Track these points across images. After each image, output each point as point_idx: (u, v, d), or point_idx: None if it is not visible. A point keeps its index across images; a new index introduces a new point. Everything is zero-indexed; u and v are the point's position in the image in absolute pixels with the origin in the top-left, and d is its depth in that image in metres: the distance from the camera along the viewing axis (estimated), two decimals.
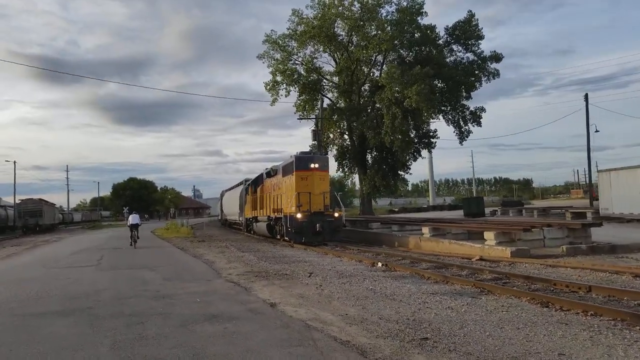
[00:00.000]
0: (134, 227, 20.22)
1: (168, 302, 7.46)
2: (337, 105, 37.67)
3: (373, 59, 36.38)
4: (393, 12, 35.53)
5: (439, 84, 34.92)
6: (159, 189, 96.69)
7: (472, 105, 36.36)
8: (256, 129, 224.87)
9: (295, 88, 35.94)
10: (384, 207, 65.79)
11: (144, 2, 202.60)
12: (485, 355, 4.45)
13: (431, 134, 36.63)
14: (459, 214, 39.28)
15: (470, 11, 35.53)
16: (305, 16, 35.35)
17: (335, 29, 35.61)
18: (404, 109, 33.24)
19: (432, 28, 35.42)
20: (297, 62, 36.86)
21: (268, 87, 35.69)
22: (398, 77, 30.46)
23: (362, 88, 38.31)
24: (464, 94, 35.89)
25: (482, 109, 36.52)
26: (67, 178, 79.68)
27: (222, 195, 47.00)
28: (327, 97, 37.73)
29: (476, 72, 35.34)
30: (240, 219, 31.09)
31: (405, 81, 30.19)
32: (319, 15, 34.46)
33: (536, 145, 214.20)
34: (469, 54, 36.23)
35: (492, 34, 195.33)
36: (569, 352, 4.50)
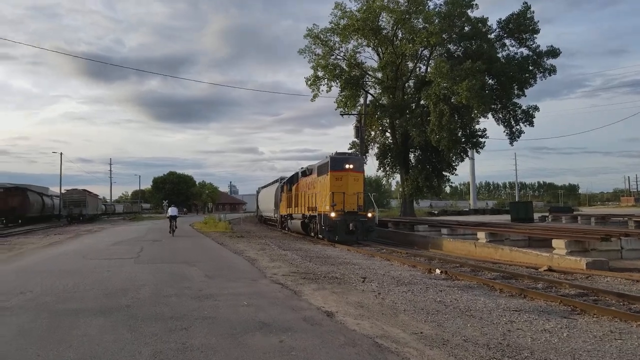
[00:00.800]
0: (172, 218, 22.75)
1: (212, 303, 6.70)
2: (380, 102, 36.39)
3: (419, 53, 34.87)
4: (441, 4, 33.91)
5: (489, 81, 33.03)
6: (197, 183, 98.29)
7: (523, 104, 34.22)
8: (291, 127, 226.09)
9: (337, 83, 34.95)
10: (423, 209, 63.76)
11: (185, 2, 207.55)
12: None
13: (479, 133, 34.74)
14: (503, 218, 37.26)
15: (526, 3, 33.28)
16: (348, 9, 34.34)
17: (380, 22, 34.38)
18: (451, 106, 31.66)
19: (483, 21, 33.53)
20: (338, 57, 35.91)
21: (309, 83, 34.87)
22: (447, 72, 28.87)
23: (407, 84, 36.88)
24: (516, 91, 33.81)
25: (536, 108, 34.23)
26: (110, 171, 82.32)
27: (258, 192, 47.72)
28: (370, 94, 36.54)
29: (530, 67, 33.19)
30: (275, 215, 31.52)
31: (455, 76, 28.61)
32: (364, 7, 33.29)
33: (582, 149, 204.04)
34: (522, 49, 34.08)
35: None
36: None
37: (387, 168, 37.32)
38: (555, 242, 12.77)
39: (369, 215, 18.46)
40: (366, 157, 33.88)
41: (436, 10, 33.15)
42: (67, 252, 15.25)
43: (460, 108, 32.58)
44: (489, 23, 33.79)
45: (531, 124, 34.27)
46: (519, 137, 34.41)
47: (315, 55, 35.39)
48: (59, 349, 4.61)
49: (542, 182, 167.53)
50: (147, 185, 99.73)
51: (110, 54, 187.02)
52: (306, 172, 22.46)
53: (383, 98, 36.73)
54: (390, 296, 7.37)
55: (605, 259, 11.31)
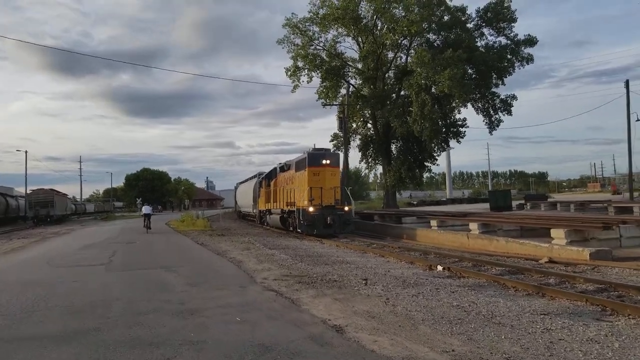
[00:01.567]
0: (146, 216, 24.62)
1: (198, 321, 5.73)
2: (361, 93, 35.60)
3: (399, 43, 34.17)
4: None
5: (469, 70, 32.66)
6: (172, 180, 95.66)
7: (502, 93, 34.03)
8: (268, 120, 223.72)
9: (317, 74, 33.92)
10: (403, 200, 63.65)
11: None
12: None
13: (460, 122, 34.44)
14: (482, 207, 37.19)
15: None
16: None
17: (360, 12, 33.49)
18: (432, 96, 31.18)
19: (463, 10, 33.12)
20: (318, 47, 34.87)
21: (289, 73, 33.71)
22: (429, 61, 28.30)
23: (387, 75, 36.19)
24: (495, 80, 33.59)
25: (514, 97, 34.05)
26: (80, 169, 78.70)
27: (236, 187, 47.09)
28: (351, 84, 35.68)
29: (509, 56, 32.99)
30: (254, 211, 31.64)
31: (436, 65, 28.08)
32: None
33: (549, 138, 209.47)
34: (501, 38, 33.82)
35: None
36: None
37: (370, 160, 36.66)
38: (554, 232, 12.27)
39: (346, 208, 19.00)
40: (349, 149, 33.11)
41: None
42: (29, 259, 13.86)
43: (441, 98, 32.17)
44: (468, 12, 33.43)
45: (509, 113, 34.08)
46: (497, 126, 34.20)
47: (294, 45, 34.28)
48: None
49: (513, 171, 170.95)
50: (119, 183, 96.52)
51: (78, 47, 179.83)
52: (284, 168, 22.68)
53: (364, 89, 35.95)
54: (401, 302, 6.56)
55: (609, 249, 10.87)
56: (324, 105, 33.40)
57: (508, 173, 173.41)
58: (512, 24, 33.38)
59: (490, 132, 34.48)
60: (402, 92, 34.58)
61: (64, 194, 53.98)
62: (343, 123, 27.35)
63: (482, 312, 5.91)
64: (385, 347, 4.56)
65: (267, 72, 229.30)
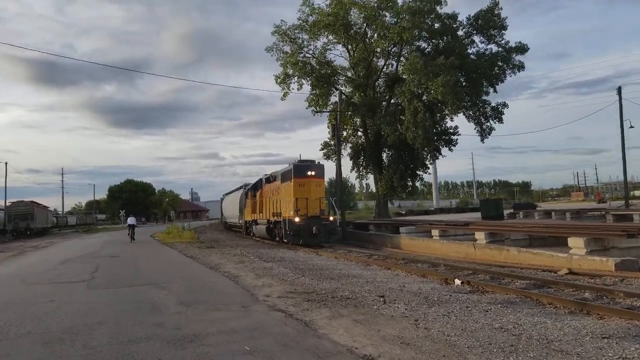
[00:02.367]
0: (131, 227, 25.92)
1: (199, 351, 4.78)
2: (352, 100, 35.00)
3: (390, 50, 33.77)
4: (410, 0, 32.98)
5: (460, 77, 32.37)
6: (156, 191, 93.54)
7: (492, 101, 33.80)
8: (253, 131, 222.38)
9: (307, 81, 33.27)
10: (391, 210, 63.02)
11: (142, 6, 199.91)
12: None
13: (451, 130, 34.05)
14: (470, 216, 36.67)
15: None
16: (317, 5, 32.79)
17: (350, 19, 33.02)
18: (424, 104, 30.75)
19: (454, 17, 32.91)
20: (307, 54, 34.27)
21: (279, 80, 32.98)
22: (421, 67, 27.87)
23: (377, 82, 35.72)
24: (485, 88, 33.36)
25: (505, 105, 33.87)
26: (62, 181, 76.54)
27: (222, 199, 46.86)
28: (342, 92, 35.11)
29: (500, 63, 32.83)
30: (240, 221, 31.71)
31: (429, 72, 27.65)
32: (334, 2, 31.83)
33: (531, 148, 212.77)
34: (492, 45, 33.70)
35: None
36: None
37: (361, 168, 35.96)
38: (572, 241, 11.58)
39: (331, 218, 19.66)
40: (342, 157, 32.39)
41: (405, 6, 32.21)
42: (2, 275, 12.60)
43: (433, 105, 31.77)
44: (459, 19, 33.25)
45: (500, 120, 33.85)
46: (489, 134, 33.94)
47: (283, 53, 33.64)
48: None
49: (497, 180, 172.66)
50: (102, 195, 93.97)
51: (60, 59, 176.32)
52: (270, 179, 23.03)
53: (355, 96, 35.39)
54: (433, 324, 5.70)
55: (635, 258, 10.20)
56: (314, 113, 32.69)
57: (492, 183, 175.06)
58: (503, 32, 33.28)
59: (482, 140, 34.12)
60: (393, 100, 34.12)
61: (45, 206, 52.00)
62: (336, 130, 26.55)
63: (534, 335, 5.08)
64: None
65: (253, 83, 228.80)
